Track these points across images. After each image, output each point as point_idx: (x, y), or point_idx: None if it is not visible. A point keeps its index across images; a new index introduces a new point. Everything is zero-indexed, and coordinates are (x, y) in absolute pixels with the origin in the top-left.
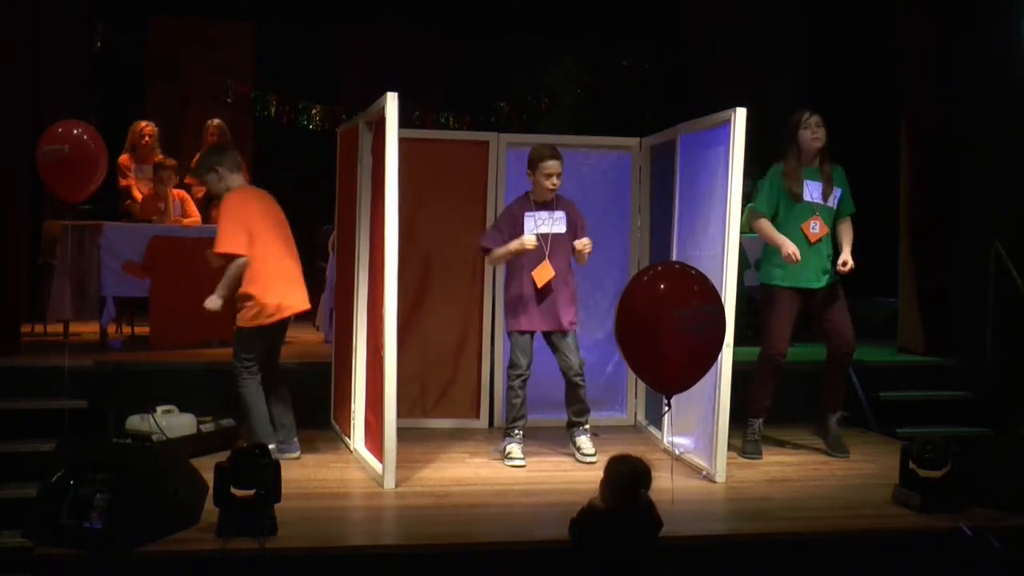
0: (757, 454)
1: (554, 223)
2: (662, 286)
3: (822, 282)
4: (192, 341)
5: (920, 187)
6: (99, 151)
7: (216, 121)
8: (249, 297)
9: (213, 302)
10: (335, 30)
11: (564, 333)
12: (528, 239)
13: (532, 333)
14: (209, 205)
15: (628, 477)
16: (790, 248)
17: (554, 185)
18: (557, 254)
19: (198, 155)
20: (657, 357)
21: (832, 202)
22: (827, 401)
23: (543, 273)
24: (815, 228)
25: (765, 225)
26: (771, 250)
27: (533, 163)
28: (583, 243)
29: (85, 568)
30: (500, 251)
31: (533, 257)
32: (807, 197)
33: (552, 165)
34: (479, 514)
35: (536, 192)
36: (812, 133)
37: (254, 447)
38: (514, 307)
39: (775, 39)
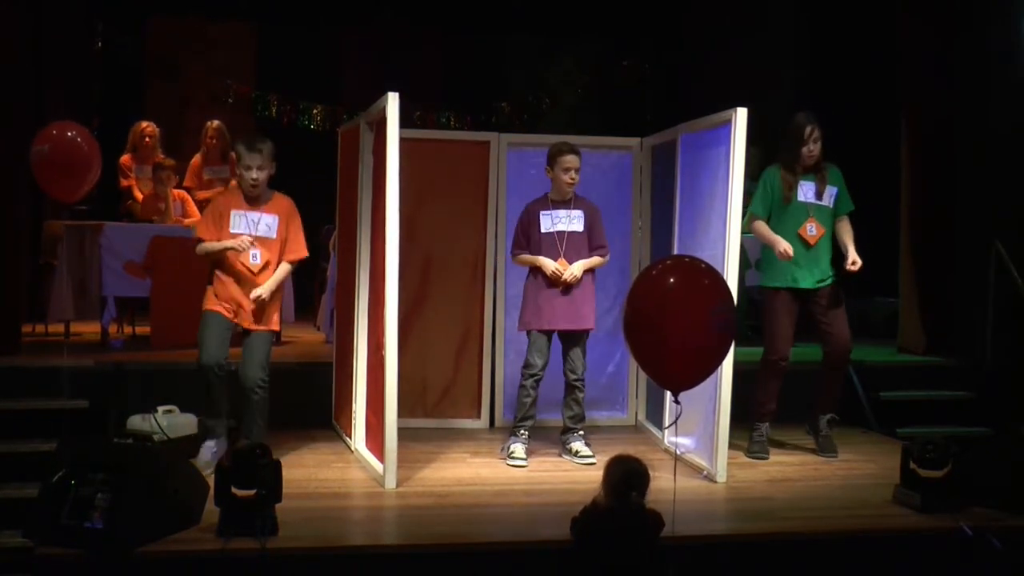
0: (764, 454)
1: (571, 221)
2: (672, 280)
3: (822, 282)
4: (193, 341)
5: (920, 187)
6: (88, 153)
7: (216, 123)
8: (278, 300)
9: (267, 291)
10: (335, 30)
11: (580, 335)
12: (549, 264)
13: (551, 333)
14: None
15: (621, 478)
16: (783, 245)
17: (572, 179)
18: (573, 253)
19: (196, 152)
20: (665, 353)
21: (827, 200)
22: (820, 403)
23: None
24: (812, 231)
25: (760, 226)
26: (769, 253)
27: (552, 159)
28: (571, 274)
29: (85, 568)
30: (525, 257)
31: (551, 255)
32: (800, 197)
33: (570, 159)
34: (480, 514)
35: (555, 189)
36: (809, 150)
37: (254, 447)
38: (533, 305)
39: (775, 39)
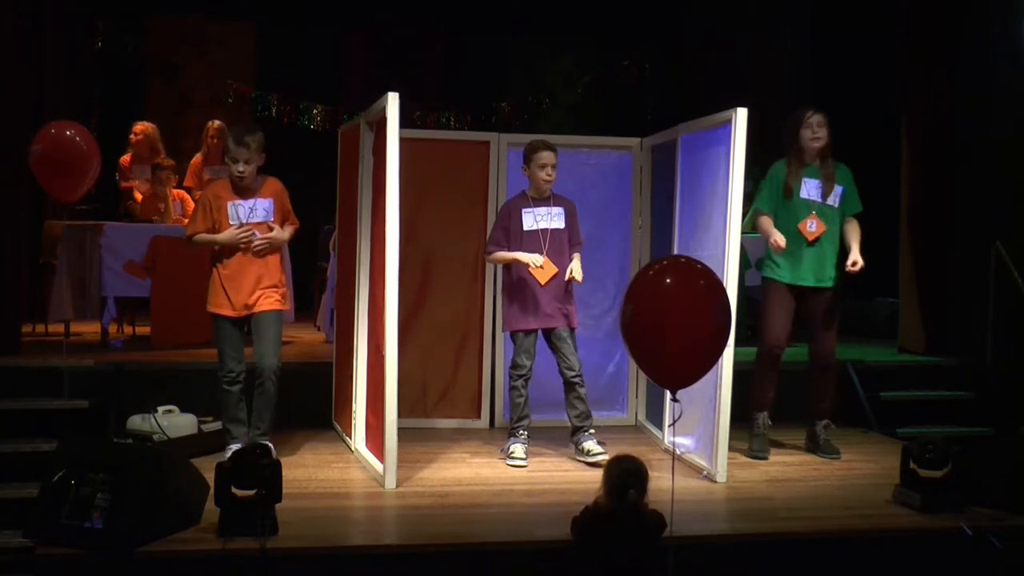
0: (764, 451)
1: (552, 218)
2: (668, 280)
3: (821, 283)
4: (193, 341)
5: (920, 187)
6: (87, 152)
7: (217, 123)
8: (282, 280)
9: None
10: (335, 30)
11: (566, 332)
12: (531, 257)
13: (535, 333)
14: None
15: (619, 478)
16: (775, 236)
17: (548, 176)
18: (555, 250)
19: (196, 152)
20: (662, 351)
21: (833, 200)
22: (814, 409)
23: (545, 270)
24: (812, 227)
25: (764, 221)
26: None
27: (527, 157)
28: (575, 270)
29: (85, 568)
30: (500, 254)
31: (534, 253)
32: (804, 195)
33: (546, 156)
34: (480, 514)
35: (533, 187)
36: (813, 133)
37: (255, 447)
38: (516, 306)
39: (775, 39)
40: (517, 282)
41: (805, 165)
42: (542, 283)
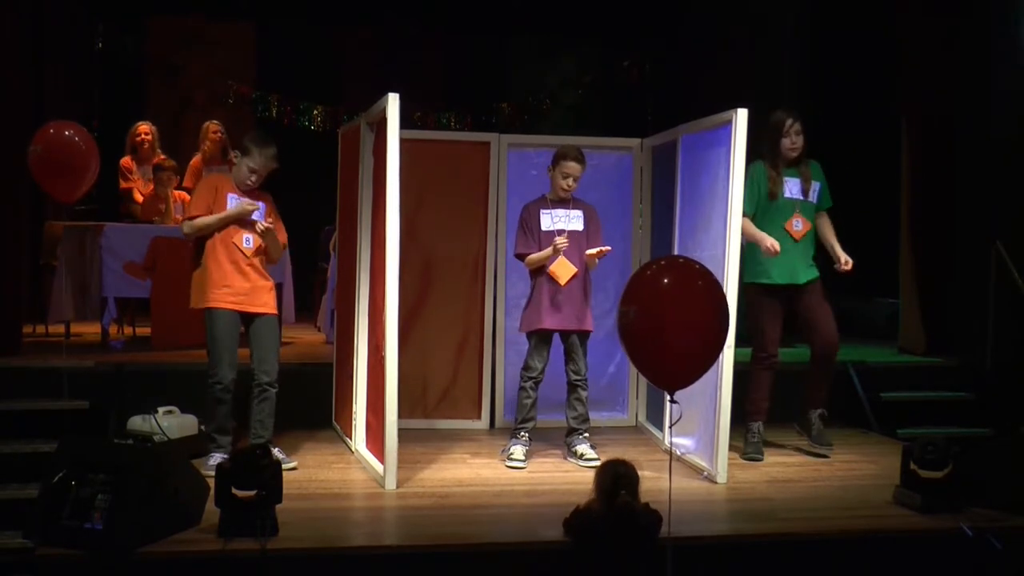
0: (759, 455)
1: (570, 220)
2: (666, 280)
3: (810, 277)
4: (193, 342)
5: (920, 187)
6: (86, 152)
7: (215, 123)
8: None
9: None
10: (335, 30)
11: (580, 335)
12: (558, 240)
13: (550, 335)
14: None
15: (610, 483)
16: (768, 242)
17: (568, 187)
18: (573, 251)
19: (196, 152)
20: (662, 353)
21: (812, 197)
22: (810, 398)
23: (564, 270)
24: (798, 225)
25: (746, 223)
26: (753, 249)
27: (556, 160)
28: (599, 251)
29: (86, 569)
30: (534, 256)
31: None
32: (787, 194)
33: (572, 167)
34: (480, 515)
35: (552, 190)
36: (791, 142)
37: (255, 448)
38: (531, 307)
39: (776, 39)
40: (534, 283)
41: (784, 167)
42: (562, 283)
